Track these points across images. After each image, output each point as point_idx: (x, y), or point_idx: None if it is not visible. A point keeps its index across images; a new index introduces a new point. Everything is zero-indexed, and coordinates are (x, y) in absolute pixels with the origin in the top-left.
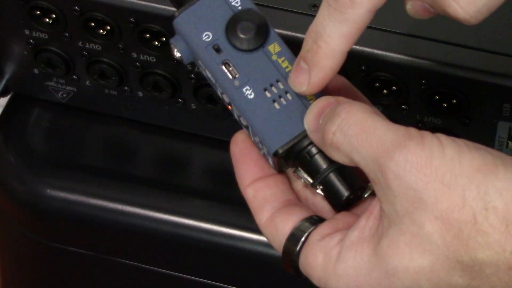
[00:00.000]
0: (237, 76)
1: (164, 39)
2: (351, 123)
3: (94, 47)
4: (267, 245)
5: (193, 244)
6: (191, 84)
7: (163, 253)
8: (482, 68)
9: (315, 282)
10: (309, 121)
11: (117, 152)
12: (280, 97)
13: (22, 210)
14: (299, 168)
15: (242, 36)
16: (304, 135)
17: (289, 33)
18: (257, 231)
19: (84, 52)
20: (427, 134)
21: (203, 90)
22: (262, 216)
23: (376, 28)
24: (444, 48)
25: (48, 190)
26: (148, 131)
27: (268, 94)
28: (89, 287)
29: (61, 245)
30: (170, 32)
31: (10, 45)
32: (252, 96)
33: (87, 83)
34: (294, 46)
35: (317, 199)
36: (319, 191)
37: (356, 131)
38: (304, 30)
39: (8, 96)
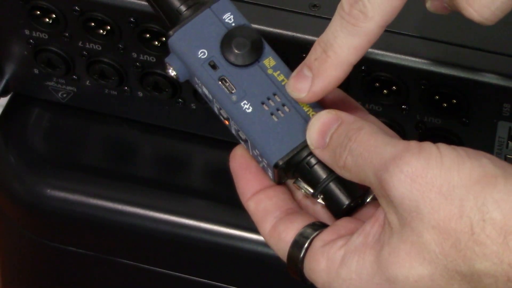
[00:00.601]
0: (234, 91)
1: (164, 39)
2: (357, 144)
3: (94, 47)
4: (267, 245)
5: (193, 244)
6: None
7: (163, 253)
8: (482, 68)
9: (320, 287)
10: (313, 138)
11: (117, 152)
12: (277, 110)
13: (22, 210)
14: (299, 179)
15: (237, 51)
16: (303, 146)
17: (289, 33)
18: (257, 231)
19: (84, 52)
20: (426, 145)
21: None
22: (265, 226)
23: None
24: (444, 48)
25: (48, 190)
26: (148, 131)
27: (265, 108)
28: (89, 287)
29: (61, 245)
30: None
31: (10, 45)
32: (250, 110)
33: (87, 83)
34: (294, 46)
35: (318, 208)
36: (319, 200)
37: (361, 151)
38: (304, 30)
39: (8, 96)
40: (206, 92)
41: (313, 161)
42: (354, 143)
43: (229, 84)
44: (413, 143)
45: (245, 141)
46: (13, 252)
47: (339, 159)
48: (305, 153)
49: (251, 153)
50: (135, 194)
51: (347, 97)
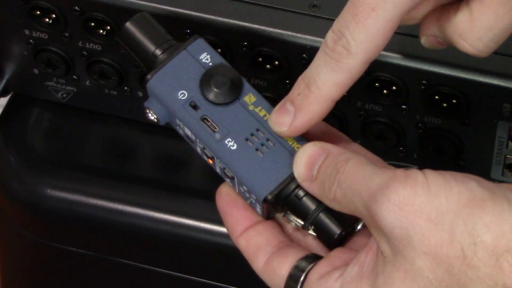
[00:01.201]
0: (217, 129)
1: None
2: (345, 176)
3: (94, 47)
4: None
5: (193, 244)
6: None
7: (163, 253)
8: (482, 68)
9: None
10: (300, 171)
11: (117, 152)
12: (262, 145)
13: (22, 210)
14: (288, 212)
15: (217, 90)
16: (290, 179)
17: (289, 33)
18: None
19: (84, 52)
20: (412, 172)
21: None
22: (258, 262)
23: None
24: (444, 48)
25: (48, 190)
26: (148, 131)
27: (250, 144)
28: (89, 287)
29: (61, 245)
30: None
31: (10, 45)
32: (235, 147)
33: (87, 83)
34: (294, 46)
35: (309, 240)
36: (311, 231)
37: (349, 183)
38: (304, 30)
39: (8, 96)
40: (189, 133)
41: (301, 193)
42: (342, 175)
43: (211, 123)
44: (399, 172)
45: (232, 179)
46: (13, 252)
47: (328, 192)
48: (293, 186)
49: (237, 190)
50: (135, 194)
51: (329, 127)
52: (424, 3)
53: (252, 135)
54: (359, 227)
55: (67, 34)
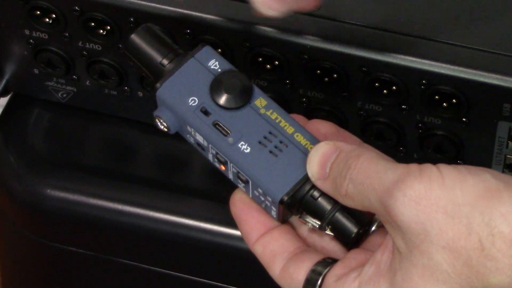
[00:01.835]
0: (229, 134)
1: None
2: (357, 172)
3: (94, 47)
4: None
5: (193, 244)
6: None
7: (163, 253)
8: (482, 68)
9: None
10: (314, 170)
11: (117, 152)
12: (275, 147)
13: (22, 210)
14: (304, 213)
15: (228, 95)
16: (305, 179)
17: (289, 33)
18: None
19: (84, 52)
20: (426, 167)
21: None
22: (275, 269)
23: (376, 28)
24: (444, 48)
25: (48, 190)
26: (148, 131)
27: (263, 146)
28: (89, 287)
29: (61, 245)
30: (171, 32)
31: (10, 45)
32: (248, 150)
33: (87, 83)
34: (294, 46)
35: (325, 242)
36: (328, 231)
37: (362, 179)
38: (304, 30)
39: (8, 96)
40: (200, 139)
41: (316, 193)
42: (354, 170)
43: (223, 128)
44: (413, 166)
45: (246, 183)
46: (13, 252)
47: (340, 188)
48: (308, 187)
49: (251, 195)
50: (135, 194)
51: (340, 129)
52: None
53: (265, 138)
54: (373, 228)
55: (67, 34)
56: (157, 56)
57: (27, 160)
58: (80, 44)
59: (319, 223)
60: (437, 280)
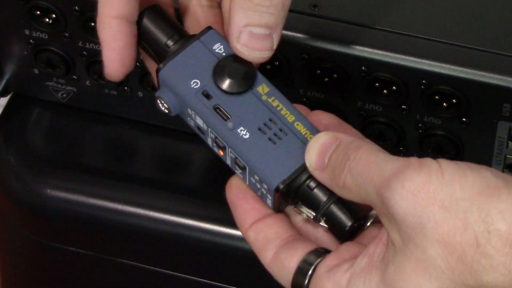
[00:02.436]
0: (229, 118)
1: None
2: (356, 163)
3: (94, 47)
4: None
5: (193, 244)
6: None
7: (163, 253)
8: (482, 68)
9: None
10: (312, 159)
11: (117, 152)
12: (275, 135)
13: (22, 210)
14: (300, 203)
15: (230, 79)
16: (303, 169)
17: (289, 33)
18: None
19: (84, 52)
20: (426, 160)
21: None
22: (266, 255)
23: (376, 28)
24: (444, 48)
25: (48, 190)
26: (148, 131)
27: (262, 133)
28: (89, 287)
29: (61, 245)
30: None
31: (10, 45)
32: (247, 136)
33: (87, 83)
34: (294, 46)
35: (319, 233)
36: (322, 223)
37: (360, 170)
38: (304, 30)
39: (8, 96)
40: (200, 122)
41: (313, 184)
42: (353, 161)
43: (223, 112)
44: (413, 159)
45: (243, 169)
46: (13, 252)
47: (338, 179)
48: (304, 176)
49: (247, 182)
50: (135, 194)
51: (342, 121)
52: None
53: (265, 124)
54: (368, 224)
55: (67, 34)
56: (162, 37)
57: (27, 160)
58: (80, 44)
59: (314, 214)
60: (429, 274)
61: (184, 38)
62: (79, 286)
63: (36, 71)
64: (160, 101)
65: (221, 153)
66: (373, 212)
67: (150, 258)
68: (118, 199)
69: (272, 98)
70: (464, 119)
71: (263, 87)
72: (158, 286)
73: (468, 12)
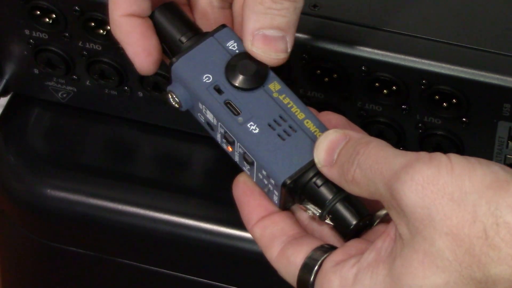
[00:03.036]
0: (240, 113)
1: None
2: (366, 157)
3: (94, 47)
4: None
5: (193, 244)
6: None
7: (163, 253)
8: (482, 68)
9: None
10: (321, 156)
11: (117, 152)
12: (284, 131)
13: (22, 210)
14: (306, 200)
15: (242, 76)
16: (310, 165)
17: None
18: None
19: (84, 52)
20: (436, 154)
21: None
22: (272, 251)
23: (376, 28)
24: (444, 48)
25: (48, 190)
26: (148, 131)
27: (272, 129)
28: (89, 287)
29: (61, 245)
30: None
31: (10, 45)
32: (257, 131)
33: (87, 83)
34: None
35: (325, 231)
36: (327, 221)
37: (370, 163)
38: (304, 30)
39: (8, 96)
40: (210, 117)
41: (320, 181)
42: (363, 156)
43: (234, 108)
44: (423, 153)
45: (251, 165)
46: (13, 252)
47: (347, 174)
48: (312, 173)
49: (254, 179)
50: (135, 194)
51: (351, 123)
52: None
53: (274, 121)
54: (375, 224)
55: (67, 34)
56: (176, 33)
57: (27, 160)
58: (80, 44)
59: (320, 211)
60: (437, 267)
61: (198, 35)
62: (79, 286)
63: (36, 71)
64: (171, 95)
65: (230, 149)
66: (380, 212)
67: (150, 258)
68: (118, 199)
69: (283, 95)
70: (464, 119)
71: (274, 85)
72: (158, 286)
73: (468, 12)
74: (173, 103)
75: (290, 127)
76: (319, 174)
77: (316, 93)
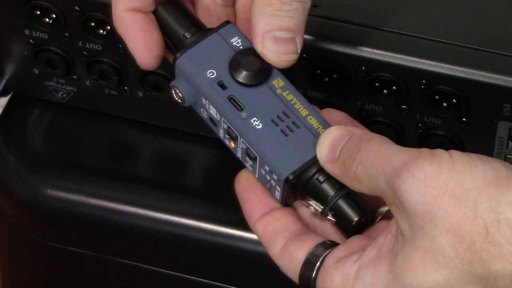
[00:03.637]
0: (243, 109)
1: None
2: (367, 153)
3: (94, 47)
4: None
5: (193, 244)
6: None
7: (163, 253)
8: (482, 68)
9: None
10: (323, 152)
11: (117, 152)
12: (287, 127)
13: (22, 210)
14: (308, 196)
15: (246, 71)
16: (313, 161)
17: None
18: None
19: (84, 52)
20: (437, 151)
21: None
22: (275, 247)
23: (376, 28)
24: (444, 48)
25: (48, 190)
26: (148, 131)
27: (275, 125)
28: (89, 287)
29: (61, 245)
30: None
31: (10, 45)
32: (260, 126)
33: (87, 83)
34: None
35: (327, 228)
36: (329, 217)
37: (372, 160)
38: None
39: (8, 96)
40: (214, 112)
41: (322, 177)
42: (364, 152)
43: (238, 103)
44: (425, 150)
45: (253, 160)
46: (13, 252)
47: (349, 170)
48: (314, 169)
49: (257, 175)
50: (135, 194)
51: (354, 120)
52: None
53: (278, 117)
54: (377, 220)
55: (67, 34)
56: (180, 29)
57: (27, 160)
58: (80, 44)
59: (322, 208)
60: (438, 263)
61: (202, 30)
62: (79, 286)
63: (36, 71)
64: (174, 90)
65: (232, 145)
66: (382, 209)
67: (150, 258)
68: (118, 199)
69: (287, 92)
70: (464, 119)
71: (278, 81)
72: (158, 286)
73: (468, 12)
74: (176, 98)
75: (293, 123)
76: (321, 170)
77: (316, 93)
